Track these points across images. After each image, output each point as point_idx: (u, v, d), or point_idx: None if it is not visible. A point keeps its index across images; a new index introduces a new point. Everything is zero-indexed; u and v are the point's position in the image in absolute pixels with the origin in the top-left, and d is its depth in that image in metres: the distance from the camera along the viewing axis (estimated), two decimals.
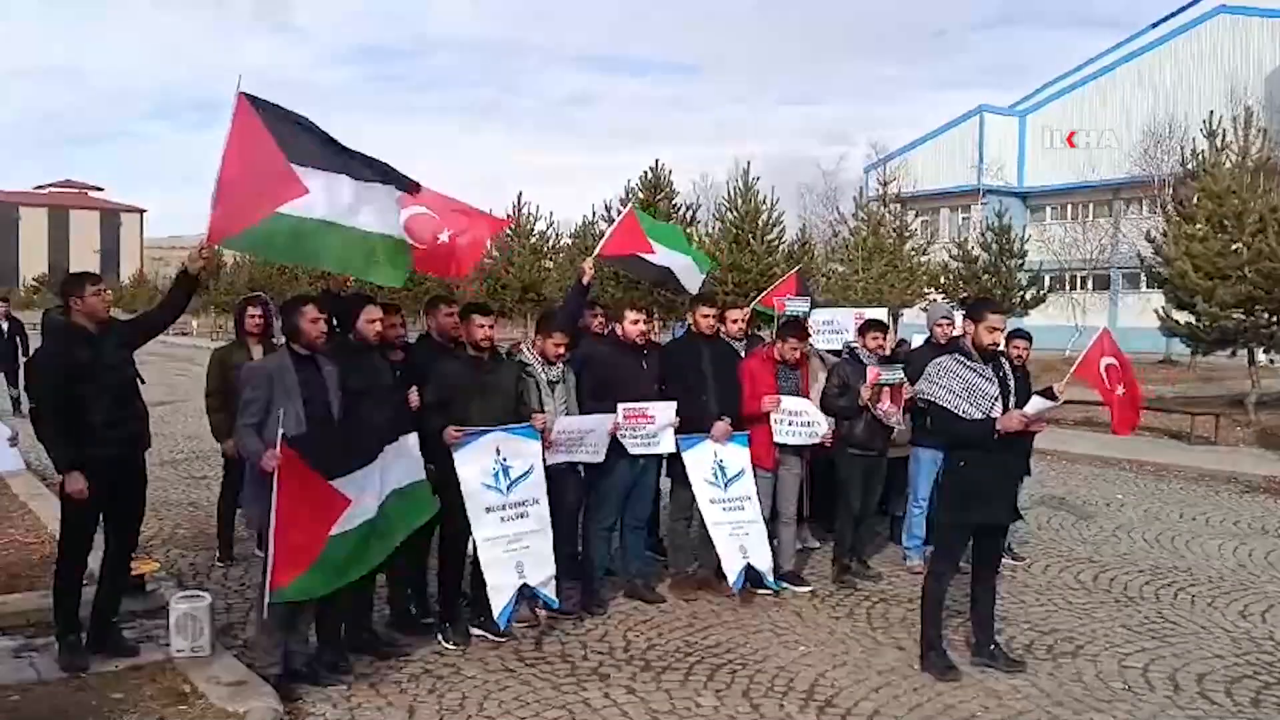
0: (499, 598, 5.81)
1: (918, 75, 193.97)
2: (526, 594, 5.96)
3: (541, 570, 5.92)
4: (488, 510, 5.81)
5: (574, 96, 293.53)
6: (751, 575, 6.80)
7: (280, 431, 4.90)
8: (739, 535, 6.71)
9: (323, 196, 5.45)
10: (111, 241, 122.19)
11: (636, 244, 7.70)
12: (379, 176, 5.73)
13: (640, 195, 28.39)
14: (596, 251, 7.77)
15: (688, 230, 30.96)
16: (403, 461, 5.47)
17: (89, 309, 5.33)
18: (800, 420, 7.06)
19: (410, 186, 5.91)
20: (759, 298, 9.98)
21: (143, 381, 5.57)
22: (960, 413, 5.42)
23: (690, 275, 8.13)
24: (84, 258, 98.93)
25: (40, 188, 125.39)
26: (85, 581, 5.56)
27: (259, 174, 5.35)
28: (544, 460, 6.04)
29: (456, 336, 6.32)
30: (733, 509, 6.76)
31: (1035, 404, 5.46)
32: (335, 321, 5.76)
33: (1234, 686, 5.54)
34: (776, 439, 7.01)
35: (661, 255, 7.85)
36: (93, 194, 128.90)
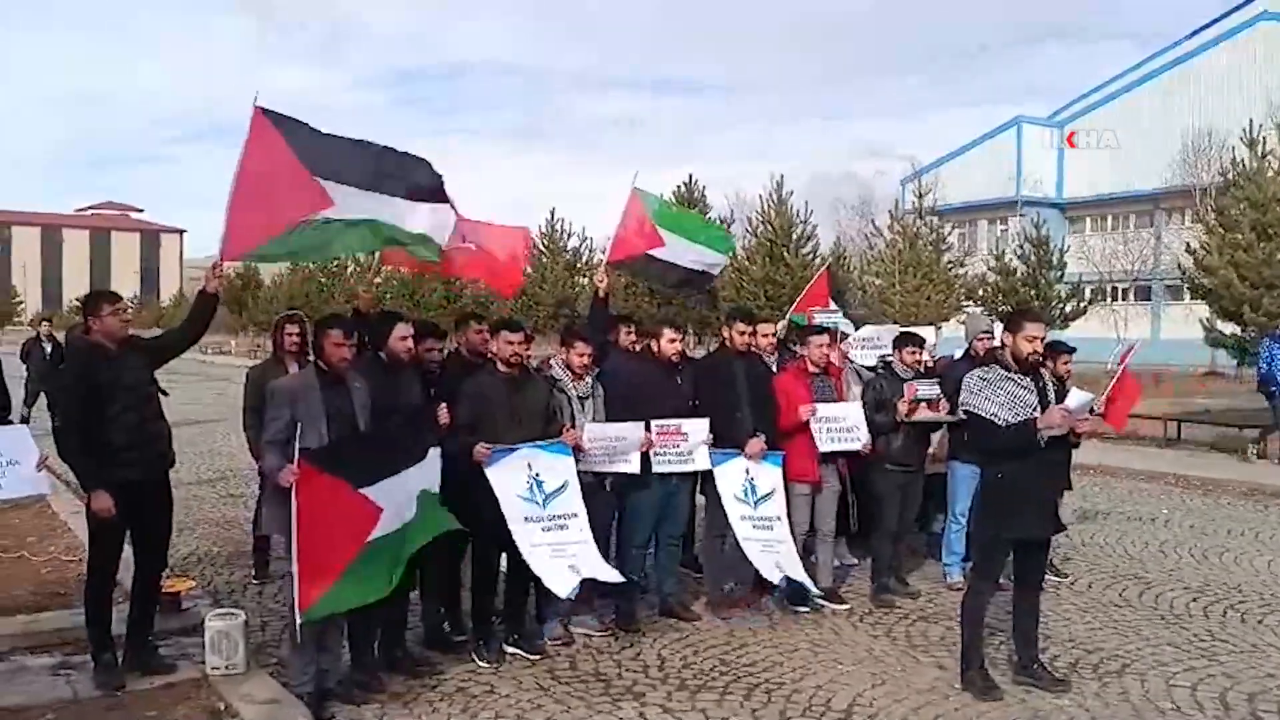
0: (561, 583, 5.67)
1: (956, 92, 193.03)
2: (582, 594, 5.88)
3: (596, 570, 5.81)
4: (527, 520, 5.76)
5: (612, 118, 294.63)
6: (794, 593, 6.76)
7: (297, 446, 4.88)
8: (770, 553, 6.61)
9: (351, 203, 5.53)
10: (152, 262, 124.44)
11: (645, 240, 7.42)
12: (402, 191, 5.77)
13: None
14: (606, 258, 7.58)
15: None
16: (423, 481, 5.37)
17: (106, 328, 5.34)
18: (839, 426, 6.95)
19: (437, 194, 5.91)
20: (792, 307, 9.74)
21: (165, 394, 5.58)
22: (1001, 423, 5.31)
23: (709, 263, 7.69)
24: (125, 278, 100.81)
25: (82, 210, 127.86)
26: (120, 599, 5.58)
27: (279, 186, 5.39)
28: (578, 474, 5.99)
29: (486, 353, 6.29)
30: (762, 527, 6.67)
31: (1075, 397, 5.34)
32: (366, 339, 5.76)
33: None
34: (821, 448, 6.88)
35: (672, 248, 7.50)
36: (133, 215, 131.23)
